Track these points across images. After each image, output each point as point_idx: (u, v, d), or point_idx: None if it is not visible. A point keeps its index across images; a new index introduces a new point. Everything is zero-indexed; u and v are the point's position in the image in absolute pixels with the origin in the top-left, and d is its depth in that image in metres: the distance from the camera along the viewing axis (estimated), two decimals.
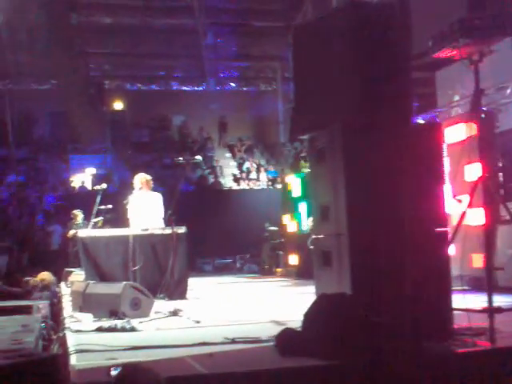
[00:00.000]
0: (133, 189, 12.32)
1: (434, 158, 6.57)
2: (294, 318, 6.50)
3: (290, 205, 19.83)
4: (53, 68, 24.95)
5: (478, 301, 6.42)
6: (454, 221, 6.98)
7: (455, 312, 6.28)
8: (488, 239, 6.21)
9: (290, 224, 19.56)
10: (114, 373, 4.31)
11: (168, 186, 24.96)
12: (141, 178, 12.24)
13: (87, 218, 16.36)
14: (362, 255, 6.13)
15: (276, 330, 5.94)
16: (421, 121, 15.66)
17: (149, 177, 12.35)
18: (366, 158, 6.18)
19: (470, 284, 9.68)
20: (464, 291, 6.95)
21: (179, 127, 31.55)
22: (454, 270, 6.83)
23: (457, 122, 12.11)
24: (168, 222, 11.35)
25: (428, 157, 6.45)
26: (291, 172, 22.51)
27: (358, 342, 5.16)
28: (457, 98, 15.36)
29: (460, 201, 10.84)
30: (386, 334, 5.31)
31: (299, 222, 18.72)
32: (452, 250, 6.67)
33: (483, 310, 5.88)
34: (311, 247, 13.31)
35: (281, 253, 19.91)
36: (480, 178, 6.18)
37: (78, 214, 18.39)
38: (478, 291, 7.56)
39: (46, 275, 14.30)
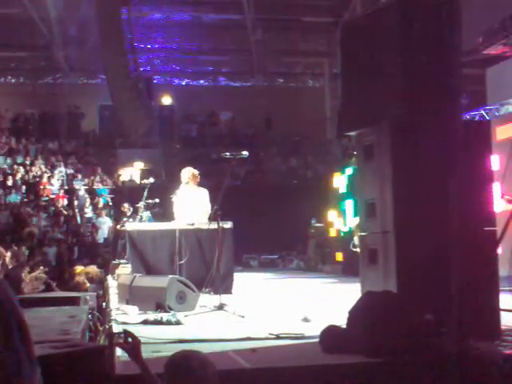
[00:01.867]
0: (180, 183, 12.37)
1: (483, 156, 6.49)
2: (339, 315, 6.48)
3: (335, 202, 19.78)
4: (103, 63, 25.16)
5: None
6: (502, 220, 6.87)
7: (502, 312, 6.21)
8: None
9: (335, 221, 19.50)
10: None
11: (215, 180, 25.07)
12: (188, 173, 12.28)
13: (135, 211, 16.49)
14: (409, 253, 6.09)
15: (320, 326, 5.92)
16: (470, 118, 15.48)
17: (196, 171, 12.38)
18: (414, 154, 6.13)
19: None
20: None
21: (227, 122, 31.63)
22: (503, 271, 6.74)
23: (508, 120, 11.94)
24: (214, 217, 11.38)
25: (476, 154, 6.38)
26: (338, 169, 22.41)
27: (403, 340, 5.13)
28: (508, 95, 15.16)
29: (510, 200, 10.68)
30: (431, 333, 5.27)
31: (345, 218, 18.66)
32: (500, 250, 6.59)
33: None
34: (353, 249, 13.27)
35: (327, 250, 19.85)
36: None
37: (127, 208, 18.55)
38: None
39: (93, 268, 14.47)
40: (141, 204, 15.03)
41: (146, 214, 15.56)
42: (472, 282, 5.89)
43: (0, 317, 1.25)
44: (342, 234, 18.59)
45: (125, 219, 17.48)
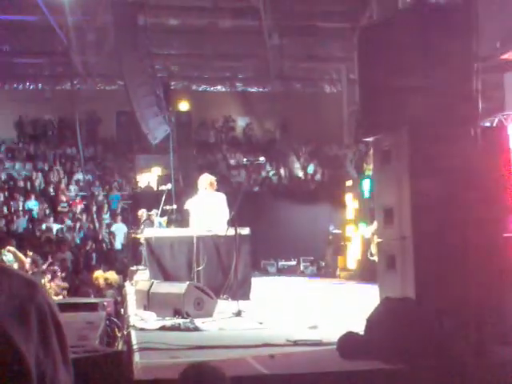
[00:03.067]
0: (197, 190, 12.40)
1: (501, 162, 6.47)
2: (357, 322, 6.46)
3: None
4: (120, 69, 25.26)
5: None
6: None
7: None
8: None
9: (353, 227, 19.46)
10: None
11: (232, 186, 25.09)
12: (206, 180, 12.31)
13: (152, 217, 16.53)
14: (427, 259, 6.06)
15: (338, 333, 5.91)
16: (488, 124, 15.41)
17: (213, 178, 12.41)
18: (432, 160, 6.12)
19: None
20: None
21: (244, 128, 31.66)
22: None
23: None
24: (231, 223, 11.39)
25: (494, 160, 6.36)
26: (355, 174, 22.38)
27: (423, 346, 5.11)
28: None
29: None
30: (450, 339, 5.24)
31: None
32: None
33: None
34: (370, 258, 13.24)
35: (345, 256, 19.82)
36: None
37: (144, 214, 18.60)
38: None
39: (111, 274, 14.53)
40: (154, 211, 15.07)
41: (162, 220, 15.55)
42: (491, 287, 5.86)
43: (39, 320, 1.26)
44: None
45: (142, 225, 17.50)
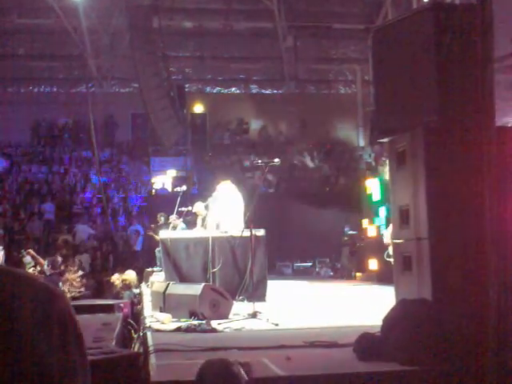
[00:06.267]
0: (213, 191, 12.45)
1: None
2: (373, 323, 6.45)
3: (369, 209, 19.72)
4: (135, 71, 25.36)
5: None
6: None
7: None
8: None
9: (369, 228, 19.44)
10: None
11: (247, 188, 25.09)
12: (222, 183, 12.40)
13: (168, 219, 16.57)
14: (444, 260, 6.04)
15: (355, 334, 5.90)
16: (503, 124, 15.36)
17: (231, 183, 12.46)
18: (447, 161, 6.10)
19: None
20: None
21: (259, 130, 31.66)
22: None
23: None
24: (247, 225, 11.41)
25: (510, 160, 6.32)
26: (371, 176, 22.35)
27: (439, 349, 5.09)
28: None
29: None
30: (467, 342, 5.22)
31: (379, 226, 18.60)
32: None
33: None
34: (387, 259, 13.23)
35: (361, 257, 19.80)
36: None
37: (162, 216, 18.65)
38: None
39: (128, 275, 14.58)
40: (173, 216, 15.11)
41: (180, 224, 15.56)
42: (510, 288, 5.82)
43: (59, 327, 1.28)
44: (376, 241, 18.48)
45: (159, 227, 17.54)
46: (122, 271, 15.12)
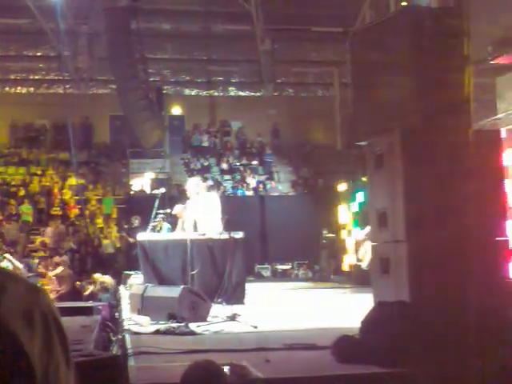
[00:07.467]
0: (187, 195, 12.46)
1: (494, 165, 6.49)
2: (351, 325, 6.47)
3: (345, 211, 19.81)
4: (113, 73, 25.27)
5: None
6: None
7: None
8: None
9: (346, 231, 19.53)
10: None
11: (225, 190, 25.09)
12: (195, 183, 12.39)
13: (146, 221, 16.51)
14: (421, 262, 6.08)
15: (333, 336, 5.92)
16: (480, 127, 15.46)
17: (200, 181, 12.47)
18: (425, 163, 6.14)
19: None
20: None
21: (237, 132, 31.65)
22: None
23: None
24: (225, 227, 11.40)
25: (487, 163, 6.38)
26: (350, 179, 22.43)
27: (417, 351, 5.12)
28: None
29: None
30: (445, 344, 5.25)
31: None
32: None
33: None
34: (358, 263, 13.26)
35: (338, 260, 19.88)
36: None
37: (136, 219, 18.62)
38: None
39: (106, 278, 14.54)
40: (159, 216, 15.06)
41: (164, 225, 15.49)
42: (486, 291, 5.87)
43: (42, 324, 1.29)
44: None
45: (135, 229, 17.50)
46: (101, 273, 15.11)
